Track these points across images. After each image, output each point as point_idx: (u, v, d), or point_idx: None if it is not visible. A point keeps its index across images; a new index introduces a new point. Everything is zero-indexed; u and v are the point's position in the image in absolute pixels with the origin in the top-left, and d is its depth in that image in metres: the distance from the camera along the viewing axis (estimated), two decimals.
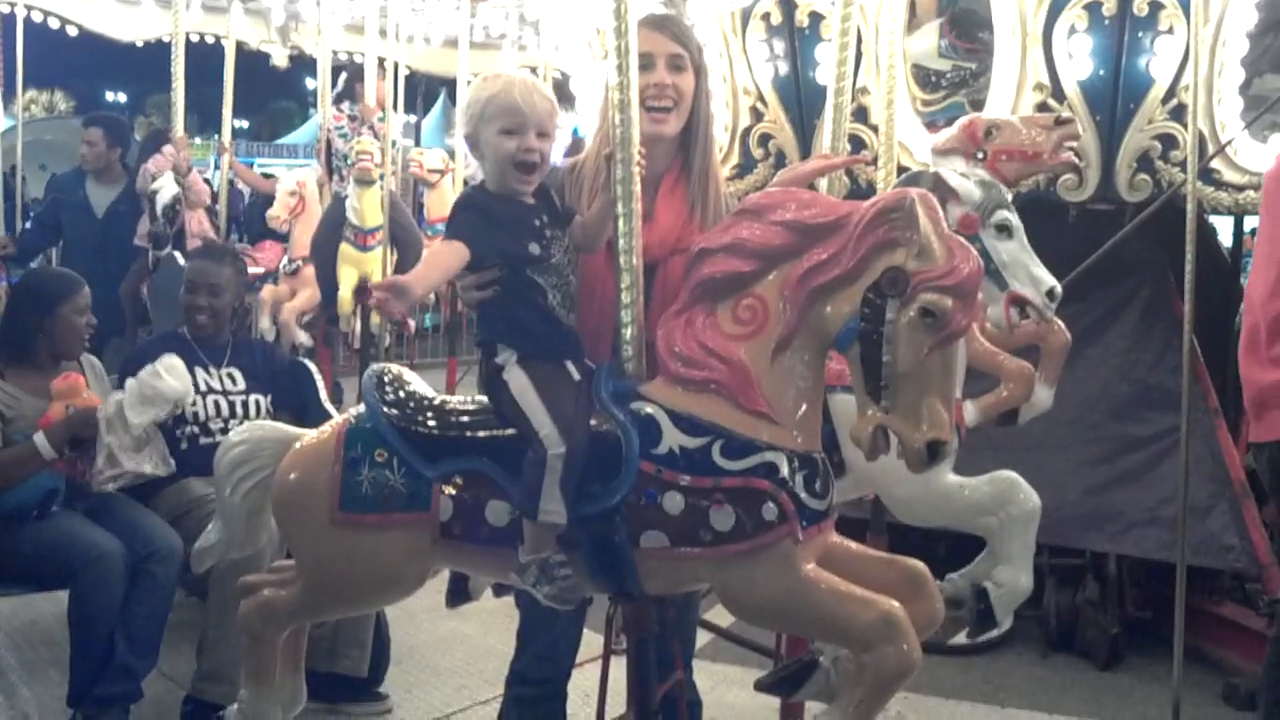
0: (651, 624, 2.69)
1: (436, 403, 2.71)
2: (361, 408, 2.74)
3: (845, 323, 2.33)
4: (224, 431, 4.47)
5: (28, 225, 9.41)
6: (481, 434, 2.61)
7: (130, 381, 4.20)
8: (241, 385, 4.72)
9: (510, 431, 2.56)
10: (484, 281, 2.56)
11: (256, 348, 5.04)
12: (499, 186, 2.62)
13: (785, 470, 2.39)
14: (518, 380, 2.53)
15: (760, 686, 2.75)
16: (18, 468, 4.07)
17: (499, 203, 2.59)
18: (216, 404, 4.62)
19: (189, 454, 4.48)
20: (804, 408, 2.46)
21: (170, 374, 4.22)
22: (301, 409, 4.70)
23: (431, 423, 2.65)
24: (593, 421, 2.50)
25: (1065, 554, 5.32)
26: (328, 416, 4.07)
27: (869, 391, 2.30)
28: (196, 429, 4.55)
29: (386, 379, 2.75)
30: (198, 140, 9.60)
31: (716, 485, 2.39)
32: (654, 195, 2.92)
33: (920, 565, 2.53)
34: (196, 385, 4.59)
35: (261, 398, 4.72)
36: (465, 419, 2.65)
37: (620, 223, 2.58)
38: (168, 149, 7.88)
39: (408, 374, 2.82)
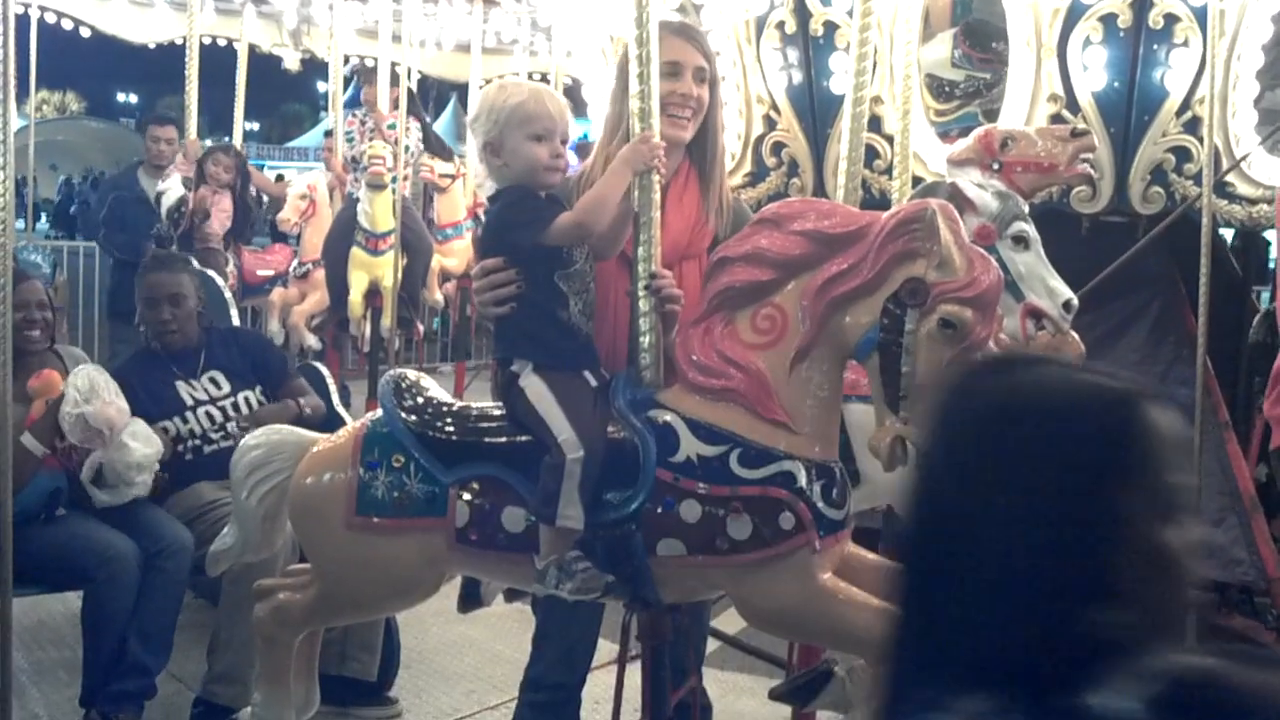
0: (669, 632, 2.69)
1: (454, 409, 2.72)
2: (379, 413, 2.75)
3: (864, 333, 2.34)
4: (225, 437, 4.45)
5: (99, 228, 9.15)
6: (499, 440, 2.62)
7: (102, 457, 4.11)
8: (226, 388, 4.61)
9: (528, 438, 2.56)
10: (503, 297, 2.57)
11: (228, 340, 4.85)
12: None
13: (803, 480, 2.40)
14: (535, 387, 2.54)
15: (775, 696, 2.76)
16: (13, 472, 4.08)
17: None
18: (209, 414, 4.54)
19: (195, 464, 4.46)
20: (822, 417, 2.46)
21: (136, 440, 4.13)
22: (283, 379, 4.66)
23: (449, 428, 2.66)
24: (610, 429, 2.51)
25: None
26: (340, 421, 4.07)
27: (888, 402, 2.30)
28: (198, 441, 4.51)
29: (404, 385, 2.76)
30: (208, 142, 9.58)
31: (734, 494, 2.40)
32: (663, 200, 2.92)
33: None
34: (183, 401, 4.56)
35: (250, 393, 4.62)
36: (483, 425, 2.67)
37: (639, 231, 2.58)
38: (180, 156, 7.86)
39: (425, 380, 2.83)
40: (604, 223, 2.58)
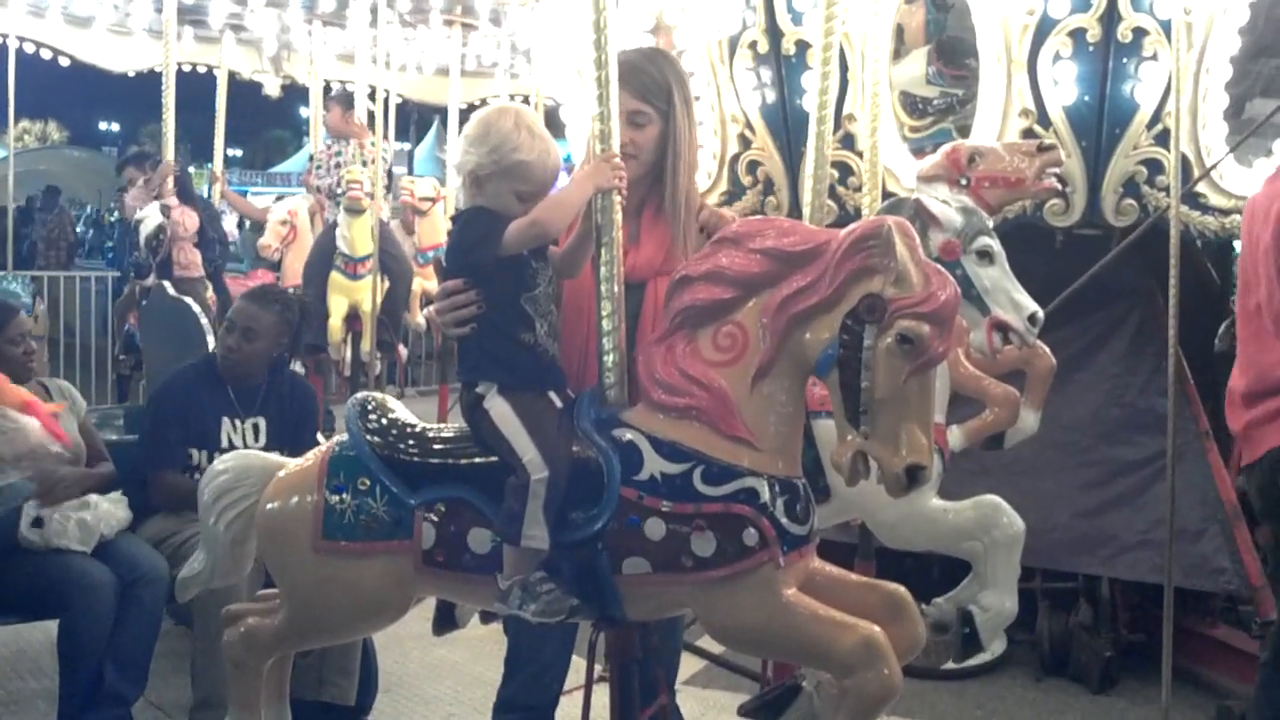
0: (635, 650, 2.69)
1: (418, 430, 2.72)
2: (345, 436, 2.75)
3: (824, 349, 2.34)
4: None
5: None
6: (464, 461, 2.62)
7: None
8: (264, 439, 4.58)
9: (492, 459, 2.57)
10: (463, 318, 2.57)
11: (287, 392, 4.78)
12: None
13: (766, 496, 2.40)
14: (499, 408, 2.54)
15: (744, 711, 2.76)
16: None
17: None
18: None
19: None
20: (785, 433, 2.46)
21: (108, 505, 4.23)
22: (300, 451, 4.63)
23: (413, 450, 2.66)
24: (575, 448, 2.51)
25: (1058, 578, 5.33)
26: (317, 445, 4.06)
27: (848, 417, 2.31)
28: None
29: (369, 407, 2.76)
30: (190, 170, 9.60)
31: (698, 511, 2.40)
32: (638, 223, 2.93)
33: (901, 589, 2.53)
34: (220, 440, 4.53)
35: (277, 454, 4.62)
36: (447, 446, 2.67)
37: (602, 251, 2.59)
38: (139, 185, 7.88)
39: (391, 402, 2.83)
40: (559, 224, 2.58)
